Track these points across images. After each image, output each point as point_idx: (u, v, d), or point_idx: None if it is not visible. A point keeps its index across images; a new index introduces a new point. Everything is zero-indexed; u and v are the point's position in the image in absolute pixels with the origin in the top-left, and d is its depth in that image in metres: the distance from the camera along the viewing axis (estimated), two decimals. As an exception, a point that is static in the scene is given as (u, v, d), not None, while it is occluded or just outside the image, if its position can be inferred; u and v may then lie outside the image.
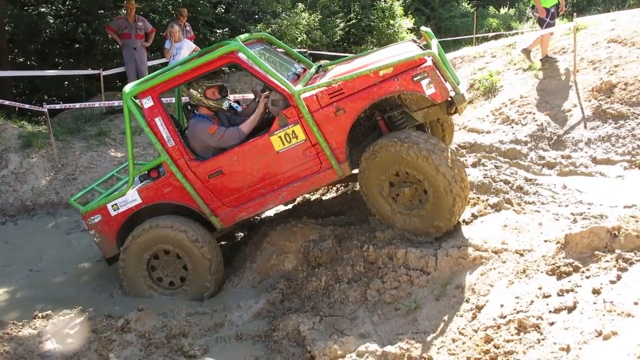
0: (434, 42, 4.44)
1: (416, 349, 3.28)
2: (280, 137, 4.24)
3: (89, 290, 5.13)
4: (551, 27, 7.66)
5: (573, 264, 3.27)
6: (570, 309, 2.94)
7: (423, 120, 4.57)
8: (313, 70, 5.04)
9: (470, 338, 3.20)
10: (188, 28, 10.44)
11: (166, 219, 4.53)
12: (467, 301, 3.59)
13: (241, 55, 4.29)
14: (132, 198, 4.58)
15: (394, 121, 4.42)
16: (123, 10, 10.87)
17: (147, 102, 4.37)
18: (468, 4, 24.06)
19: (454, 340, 3.26)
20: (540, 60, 7.96)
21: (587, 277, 3.14)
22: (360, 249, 4.35)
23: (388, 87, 4.08)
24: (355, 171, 4.49)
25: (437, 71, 4.11)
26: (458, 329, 3.38)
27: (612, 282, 2.99)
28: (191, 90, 4.57)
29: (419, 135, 4.15)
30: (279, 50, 5.37)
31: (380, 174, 4.22)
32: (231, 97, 5.28)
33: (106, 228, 4.68)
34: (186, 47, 9.41)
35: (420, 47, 4.69)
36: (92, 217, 4.69)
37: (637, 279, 2.94)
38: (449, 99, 4.19)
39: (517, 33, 15.40)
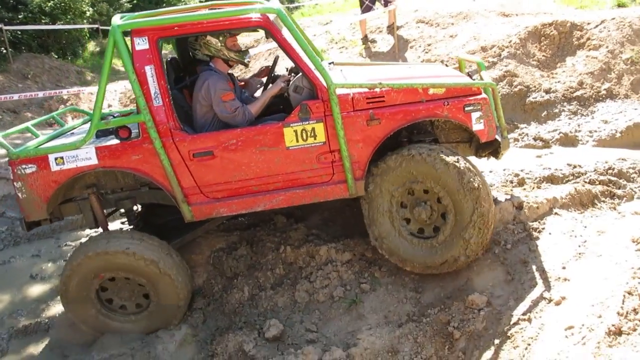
0: (486, 75, 4.00)
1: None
2: (295, 131, 3.60)
3: None
4: (370, 10, 8.25)
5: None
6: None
7: None
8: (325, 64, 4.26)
9: (426, 319, 3.49)
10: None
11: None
12: (403, 286, 3.85)
13: (276, 22, 3.58)
14: (85, 155, 3.60)
15: None
16: None
17: (141, 44, 3.47)
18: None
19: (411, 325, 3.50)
20: (361, 39, 8.56)
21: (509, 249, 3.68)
22: (277, 252, 4.26)
23: (434, 109, 3.63)
24: None
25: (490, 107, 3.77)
26: (408, 315, 3.63)
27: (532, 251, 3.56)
28: (209, 37, 3.72)
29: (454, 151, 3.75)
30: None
31: (395, 186, 3.71)
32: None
33: (39, 184, 3.65)
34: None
35: (469, 75, 4.28)
36: (23, 166, 3.61)
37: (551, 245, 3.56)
38: (494, 141, 3.84)
39: (299, 7, 16.11)
